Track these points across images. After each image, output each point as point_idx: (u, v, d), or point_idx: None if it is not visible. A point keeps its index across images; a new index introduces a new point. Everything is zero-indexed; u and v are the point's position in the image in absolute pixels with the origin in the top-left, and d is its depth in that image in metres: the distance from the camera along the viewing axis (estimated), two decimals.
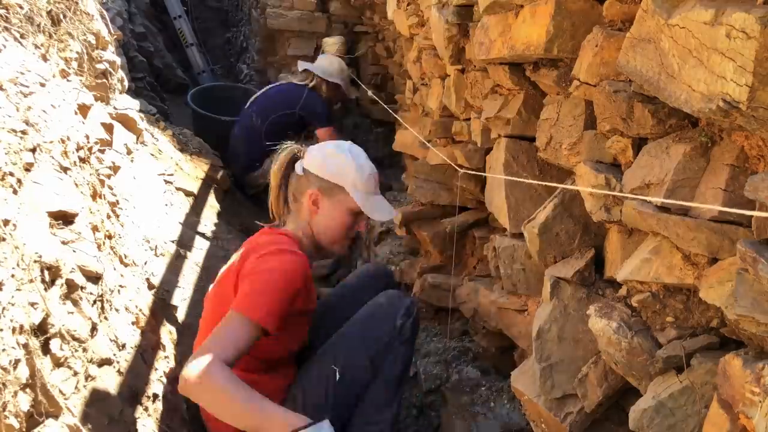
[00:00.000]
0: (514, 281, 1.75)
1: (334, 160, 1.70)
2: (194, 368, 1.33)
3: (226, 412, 1.35)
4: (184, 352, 1.90)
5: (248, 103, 4.02)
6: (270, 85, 4.13)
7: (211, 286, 1.74)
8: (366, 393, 1.72)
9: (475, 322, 2.17)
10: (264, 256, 1.56)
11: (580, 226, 1.48)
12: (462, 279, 2.34)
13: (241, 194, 3.77)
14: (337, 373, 1.65)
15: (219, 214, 3.06)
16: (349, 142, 1.81)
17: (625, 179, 1.22)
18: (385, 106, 3.41)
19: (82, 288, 1.35)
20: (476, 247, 2.36)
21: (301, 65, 4.06)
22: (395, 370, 1.74)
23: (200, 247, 2.60)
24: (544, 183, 1.63)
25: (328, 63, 4.01)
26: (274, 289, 1.50)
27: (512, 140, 1.78)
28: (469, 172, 1.96)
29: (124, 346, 1.50)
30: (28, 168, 1.38)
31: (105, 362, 1.38)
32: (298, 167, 1.75)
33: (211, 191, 3.24)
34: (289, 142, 1.81)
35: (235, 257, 1.70)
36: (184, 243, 2.51)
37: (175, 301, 2.07)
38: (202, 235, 2.73)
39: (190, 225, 2.73)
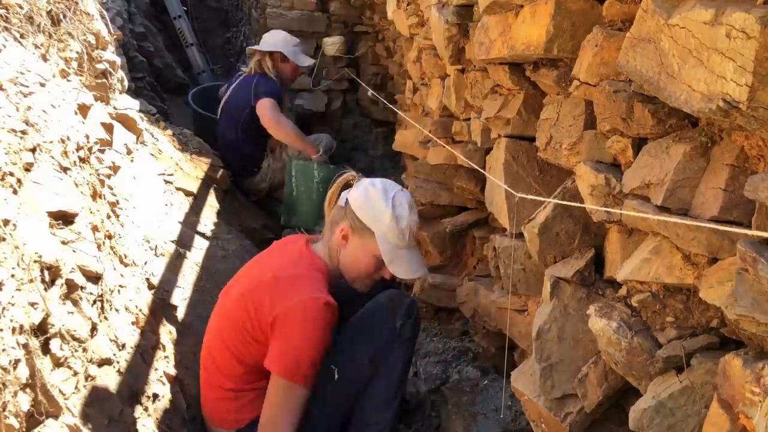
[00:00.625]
0: (514, 281, 1.75)
1: (373, 204, 1.67)
2: None
3: None
4: (183, 352, 1.90)
5: (219, 113, 3.84)
6: (226, 88, 3.88)
7: (232, 283, 1.77)
8: (366, 392, 1.73)
9: (475, 322, 2.17)
10: (296, 305, 1.54)
11: (580, 226, 1.48)
12: (462, 279, 2.34)
13: (242, 194, 3.77)
14: (336, 373, 1.65)
15: (219, 214, 3.06)
16: (400, 187, 1.76)
17: (625, 179, 1.22)
18: (388, 104, 3.41)
19: (82, 288, 1.35)
20: (476, 247, 2.36)
21: (248, 50, 3.85)
22: (395, 370, 1.74)
23: (200, 247, 2.60)
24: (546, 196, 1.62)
25: (269, 35, 3.77)
26: (312, 341, 1.54)
27: (512, 140, 1.78)
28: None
29: (124, 346, 1.50)
30: (28, 168, 1.38)
31: (105, 362, 1.38)
32: (343, 196, 1.75)
33: (211, 191, 3.24)
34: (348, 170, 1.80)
35: (259, 262, 1.74)
36: (184, 243, 2.51)
37: (174, 300, 2.07)
38: (202, 234, 2.73)
39: (190, 225, 2.73)
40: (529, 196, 1.44)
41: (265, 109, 3.51)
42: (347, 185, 1.78)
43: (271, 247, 1.86)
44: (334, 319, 1.59)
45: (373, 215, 1.66)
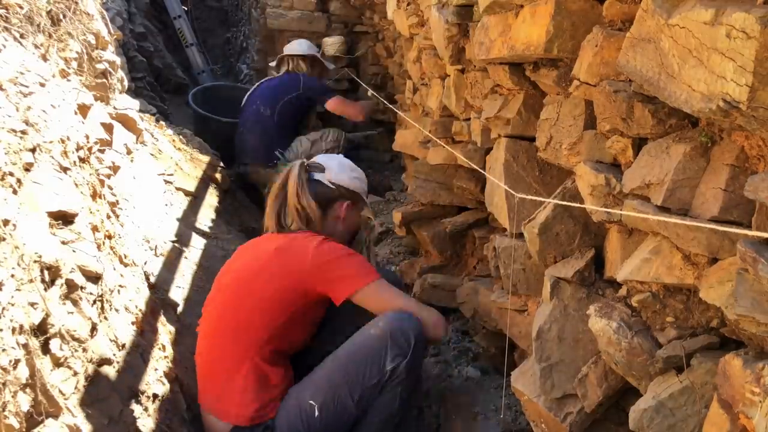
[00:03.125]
0: (514, 281, 1.75)
1: (355, 174, 2.00)
2: (432, 321, 1.75)
3: None
4: (183, 352, 1.90)
5: (246, 100, 4.04)
6: (260, 82, 4.20)
7: (228, 278, 1.82)
8: (356, 428, 1.68)
9: (475, 322, 2.17)
10: (318, 247, 1.73)
11: (580, 226, 1.48)
12: (462, 279, 2.34)
13: (242, 194, 3.77)
14: (316, 410, 1.62)
15: (219, 214, 3.07)
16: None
17: (625, 179, 1.22)
18: (388, 104, 3.41)
19: (82, 288, 1.35)
20: (476, 247, 2.36)
21: (272, 64, 4.23)
22: (390, 408, 1.67)
23: (200, 247, 2.60)
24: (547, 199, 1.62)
25: (296, 44, 4.13)
26: (350, 255, 1.76)
27: (512, 140, 1.78)
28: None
29: (123, 345, 1.50)
30: (27, 168, 1.38)
31: (105, 362, 1.38)
32: (323, 179, 1.92)
33: (211, 191, 3.25)
34: (296, 162, 1.94)
35: (264, 259, 1.76)
36: (184, 243, 2.51)
37: (174, 300, 2.08)
38: (202, 234, 2.74)
39: (190, 225, 2.73)
40: (529, 197, 1.44)
41: (342, 104, 4.01)
42: (307, 172, 1.92)
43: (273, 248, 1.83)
44: None
45: (360, 183, 1.99)
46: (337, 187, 1.92)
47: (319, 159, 2.00)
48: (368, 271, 1.74)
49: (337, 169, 1.95)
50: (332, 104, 3.97)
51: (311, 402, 1.63)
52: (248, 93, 4.10)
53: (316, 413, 1.62)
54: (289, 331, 1.73)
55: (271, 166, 3.80)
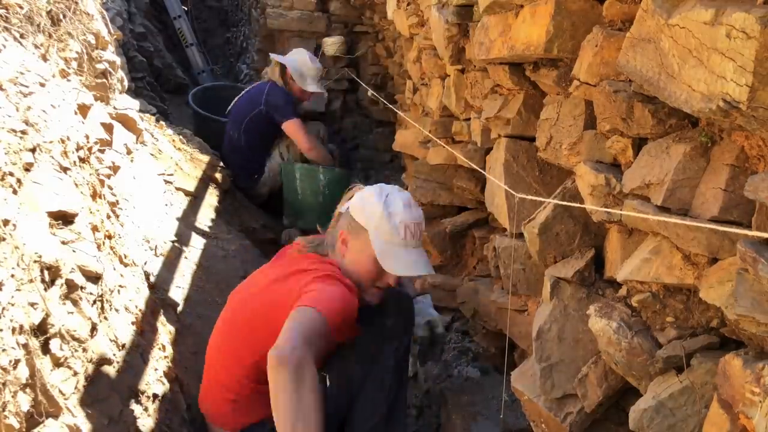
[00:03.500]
0: (514, 281, 1.75)
1: (366, 202, 1.69)
2: (291, 357, 1.32)
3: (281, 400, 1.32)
4: (183, 352, 1.90)
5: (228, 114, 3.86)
6: (240, 94, 3.92)
7: (241, 288, 1.77)
8: (358, 395, 1.64)
9: (475, 322, 2.17)
10: (326, 278, 1.56)
11: (580, 226, 1.48)
12: (462, 279, 2.34)
13: (242, 194, 3.77)
14: (327, 380, 1.58)
15: (218, 214, 3.07)
16: (398, 187, 1.76)
17: (625, 179, 1.22)
18: (388, 104, 3.41)
19: (81, 288, 1.35)
20: (476, 247, 2.36)
21: (272, 56, 3.89)
22: (387, 367, 1.63)
23: (200, 247, 2.60)
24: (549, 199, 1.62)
25: (296, 51, 3.82)
26: (341, 300, 1.52)
27: (512, 140, 1.78)
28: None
29: (124, 346, 1.50)
30: (27, 168, 1.38)
31: (105, 362, 1.38)
32: (345, 205, 1.75)
33: (211, 191, 3.24)
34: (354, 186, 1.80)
35: (272, 269, 1.73)
36: (184, 242, 2.51)
37: (174, 300, 2.08)
38: (202, 234, 2.73)
39: (190, 225, 2.73)
40: (529, 197, 1.44)
41: (297, 131, 3.60)
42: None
43: (283, 255, 1.81)
44: (356, 310, 1.57)
45: (366, 213, 1.67)
46: (345, 213, 1.74)
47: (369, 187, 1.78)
48: (324, 303, 1.48)
49: (359, 193, 1.75)
50: (288, 126, 3.57)
51: (323, 374, 1.55)
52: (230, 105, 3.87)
53: (327, 384, 1.55)
54: None
55: (254, 183, 3.72)
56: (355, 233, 1.68)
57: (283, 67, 3.72)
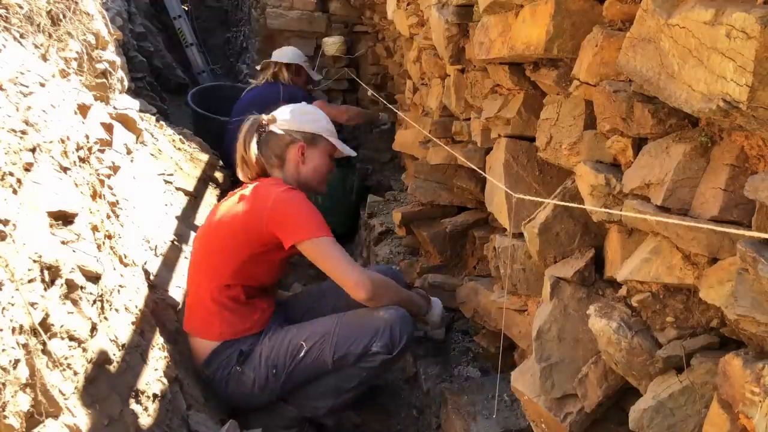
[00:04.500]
0: (514, 281, 1.75)
1: (307, 117, 2.06)
2: (363, 281, 1.81)
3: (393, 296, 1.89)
4: (183, 352, 1.90)
5: (233, 113, 3.89)
6: (245, 92, 4.05)
7: (202, 229, 2.01)
8: (319, 377, 1.87)
9: (475, 322, 2.17)
10: (281, 194, 1.84)
11: (580, 226, 1.48)
12: (462, 279, 2.34)
13: None
14: (303, 351, 1.83)
15: None
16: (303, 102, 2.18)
17: (625, 179, 1.22)
18: (388, 104, 3.41)
19: (81, 288, 1.35)
20: (476, 247, 2.36)
21: (263, 63, 4.07)
22: (345, 383, 1.86)
23: None
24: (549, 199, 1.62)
25: (283, 50, 4.01)
26: (309, 208, 1.84)
27: (512, 140, 1.78)
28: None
29: (123, 345, 1.50)
30: (27, 168, 1.38)
31: (105, 362, 1.38)
32: (275, 129, 2.01)
33: (211, 190, 3.24)
34: (251, 116, 2.05)
35: (232, 204, 1.92)
36: (184, 242, 2.51)
37: (174, 300, 2.07)
38: None
39: (190, 224, 2.73)
40: (529, 197, 1.44)
41: (324, 107, 3.83)
42: (259, 126, 2.02)
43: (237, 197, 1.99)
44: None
45: (314, 123, 2.04)
46: (287, 133, 2.00)
47: (275, 111, 2.08)
48: (320, 227, 1.83)
49: (287, 116, 2.04)
50: (318, 106, 3.90)
51: (302, 342, 1.83)
52: (235, 105, 3.95)
53: (302, 353, 1.82)
54: (254, 269, 1.88)
55: None
56: (312, 142, 2.02)
57: (287, 68, 3.85)
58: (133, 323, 1.61)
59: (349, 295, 1.85)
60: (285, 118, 2.03)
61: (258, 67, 4.12)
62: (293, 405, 1.92)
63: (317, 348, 1.83)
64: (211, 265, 1.90)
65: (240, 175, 2.06)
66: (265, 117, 2.05)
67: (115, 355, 1.44)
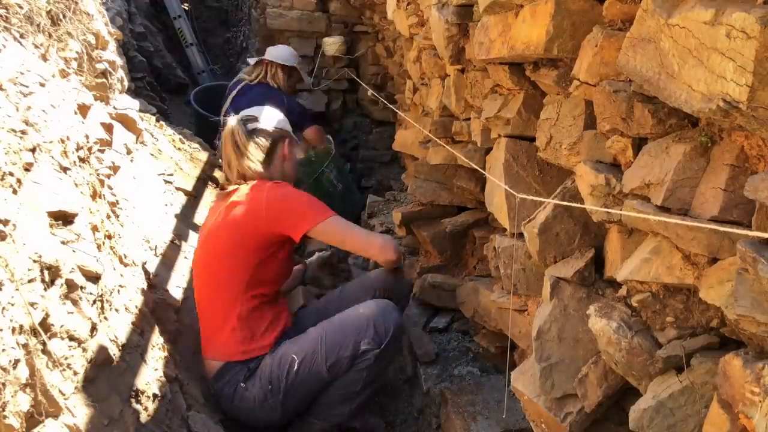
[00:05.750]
0: (514, 281, 1.75)
1: (281, 115, 2.13)
2: (387, 245, 1.90)
3: None
4: (183, 352, 1.90)
5: (224, 112, 3.73)
6: (234, 90, 3.85)
7: (200, 240, 1.98)
8: (325, 388, 1.84)
9: (475, 322, 2.17)
10: (271, 192, 1.85)
11: (580, 226, 1.48)
12: (462, 279, 2.34)
13: None
14: (295, 364, 1.80)
15: None
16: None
17: (625, 179, 1.22)
18: (388, 104, 3.41)
19: (81, 288, 1.35)
20: (476, 247, 2.36)
21: (251, 61, 3.97)
22: (352, 387, 1.83)
23: None
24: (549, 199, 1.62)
25: (278, 50, 3.91)
26: (305, 196, 1.89)
27: (512, 140, 1.78)
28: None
29: (123, 346, 1.50)
30: (27, 168, 1.38)
31: (105, 362, 1.38)
32: (265, 127, 2.03)
33: (211, 190, 3.24)
34: (231, 118, 2.05)
35: (221, 219, 1.88)
36: (184, 242, 2.51)
37: (174, 300, 2.07)
38: None
39: (190, 224, 2.73)
40: (529, 197, 1.44)
41: (319, 134, 3.98)
42: (246, 126, 2.03)
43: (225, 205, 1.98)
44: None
45: (286, 121, 2.13)
46: (275, 130, 2.05)
47: (250, 111, 2.11)
48: (323, 209, 1.87)
49: (270, 115, 2.09)
50: (310, 133, 3.91)
51: (294, 356, 1.81)
52: (231, 103, 3.77)
53: (295, 367, 1.80)
54: (265, 274, 1.88)
55: None
56: (292, 139, 2.10)
57: (282, 69, 3.77)
58: (132, 323, 1.61)
59: (364, 283, 1.92)
60: (269, 116, 2.08)
61: (252, 62, 3.97)
62: (317, 418, 1.90)
63: (309, 360, 1.81)
64: (221, 285, 1.87)
65: (228, 176, 2.04)
66: (243, 116, 2.06)
67: (115, 355, 1.44)
